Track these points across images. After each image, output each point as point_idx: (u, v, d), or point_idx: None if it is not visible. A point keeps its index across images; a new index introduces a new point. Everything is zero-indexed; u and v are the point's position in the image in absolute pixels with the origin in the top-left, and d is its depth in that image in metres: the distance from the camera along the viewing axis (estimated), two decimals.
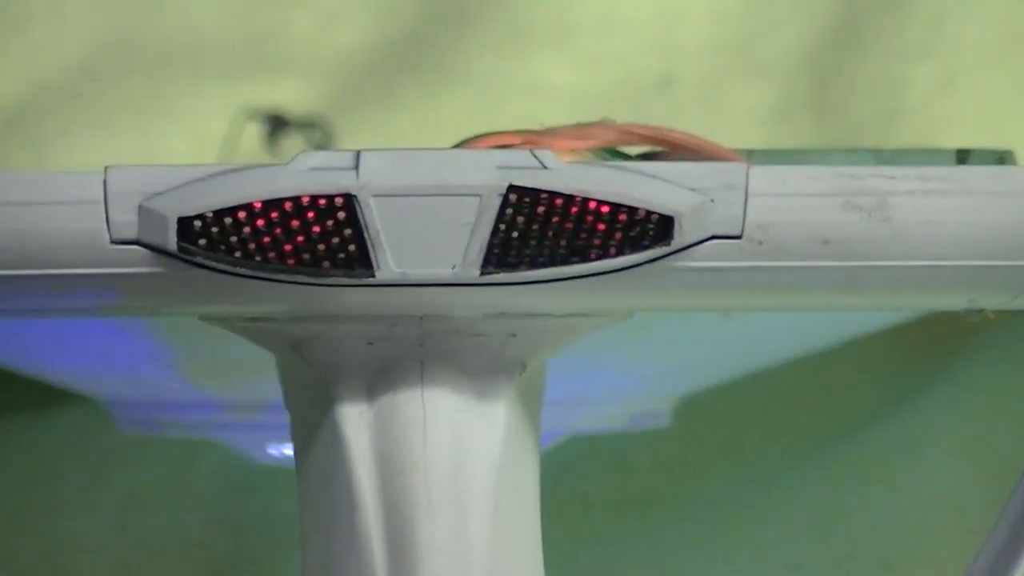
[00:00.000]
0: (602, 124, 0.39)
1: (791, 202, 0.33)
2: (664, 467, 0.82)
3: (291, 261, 0.32)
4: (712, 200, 0.32)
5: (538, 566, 0.36)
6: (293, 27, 0.79)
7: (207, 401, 0.54)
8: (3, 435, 0.82)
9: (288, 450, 0.49)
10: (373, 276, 0.32)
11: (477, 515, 0.34)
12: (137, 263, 0.32)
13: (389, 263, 0.32)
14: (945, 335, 0.85)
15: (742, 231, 0.32)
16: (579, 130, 0.38)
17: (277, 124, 0.67)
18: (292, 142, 0.68)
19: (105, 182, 0.32)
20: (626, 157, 0.39)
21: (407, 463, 0.34)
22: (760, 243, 0.33)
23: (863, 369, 0.86)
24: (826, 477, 0.86)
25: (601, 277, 0.32)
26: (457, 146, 0.38)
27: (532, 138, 0.38)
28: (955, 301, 0.35)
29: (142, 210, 0.32)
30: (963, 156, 0.44)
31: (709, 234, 0.32)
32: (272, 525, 0.79)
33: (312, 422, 0.36)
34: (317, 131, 0.67)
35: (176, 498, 0.82)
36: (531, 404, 0.37)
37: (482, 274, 0.32)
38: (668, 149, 0.39)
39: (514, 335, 0.36)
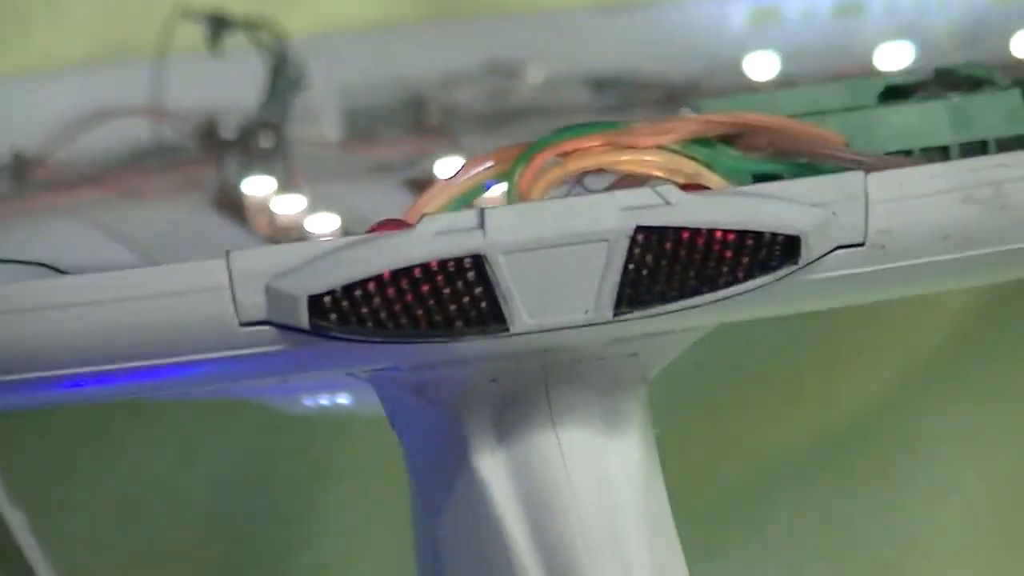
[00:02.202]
0: (681, 117, 0.38)
1: (911, 204, 0.33)
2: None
3: (423, 325, 0.32)
4: (834, 213, 0.32)
5: None
6: None
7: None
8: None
9: (322, 400, 0.49)
10: (507, 331, 0.32)
11: (638, 563, 0.34)
12: (268, 343, 0.32)
13: (523, 316, 0.32)
14: (949, 337, 0.85)
15: (865, 238, 0.33)
16: (659, 125, 0.38)
17: (219, 24, 0.63)
18: (236, 41, 0.63)
19: (229, 267, 0.32)
20: (708, 143, 0.38)
21: (556, 504, 0.34)
22: (883, 247, 0.33)
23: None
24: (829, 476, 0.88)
25: (730, 301, 0.32)
26: (534, 149, 0.37)
27: (613, 138, 0.37)
28: None
29: (269, 291, 0.32)
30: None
31: (834, 246, 0.33)
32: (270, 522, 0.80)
33: (442, 467, 0.36)
34: (263, 31, 0.63)
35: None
36: (649, 430, 0.37)
37: (615, 315, 0.32)
38: (748, 132, 0.38)
39: (636, 354, 0.36)
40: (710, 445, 0.85)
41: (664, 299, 0.32)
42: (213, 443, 0.83)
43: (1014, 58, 0.63)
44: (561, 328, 0.32)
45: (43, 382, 0.33)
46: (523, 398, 0.36)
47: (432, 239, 0.32)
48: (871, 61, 0.66)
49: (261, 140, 0.59)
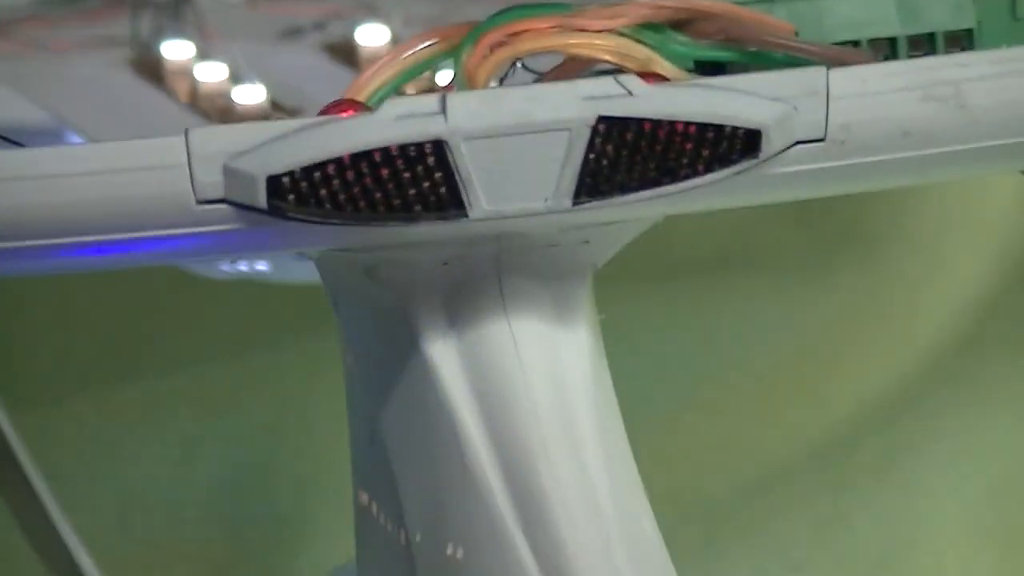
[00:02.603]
0: (632, 1, 0.38)
1: (872, 100, 0.33)
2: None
3: (382, 208, 0.32)
4: (795, 108, 0.33)
5: (641, 490, 0.37)
6: None
7: None
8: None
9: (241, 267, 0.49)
10: (466, 216, 0.32)
11: (591, 451, 0.35)
12: (225, 221, 0.32)
13: (482, 203, 0.32)
14: (947, 338, 0.86)
15: (825, 134, 0.33)
16: (610, 9, 0.38)
17: None
18: None
19: (188, 145, 0.31)
20: (659, 29, 0.38)
21: (508, 389, 0.35)
22: (843, 143, 0.33)
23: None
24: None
25: (689, 193, 0.33)
26: (482, 28, 0.37)
27: (563, 20, 0.37)
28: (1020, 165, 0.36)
29: (227, 170, 0.32)
30: None
31: (794, 140, 0.33)
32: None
33: (389, 351, 0.36)
34: None
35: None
36: (596, 318, 0.38)
37: (574, 204, 0.32)
38: (698, 18, 0.38)
39: (587, 242, 0.36)
40: (710, 443, 0.86)
41: (623, 190, 0.32)
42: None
43: None
44: (520, 216, 0.32)
45: (3, 253, 0.32)
46: (475, 283, 0.36)
47: (393, 123, 0.32)
48: None
49: None
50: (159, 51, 0.53)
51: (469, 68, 0.36)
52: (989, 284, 0.85)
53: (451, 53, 0.36)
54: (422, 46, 0.36)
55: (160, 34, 0.54)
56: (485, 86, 0.36)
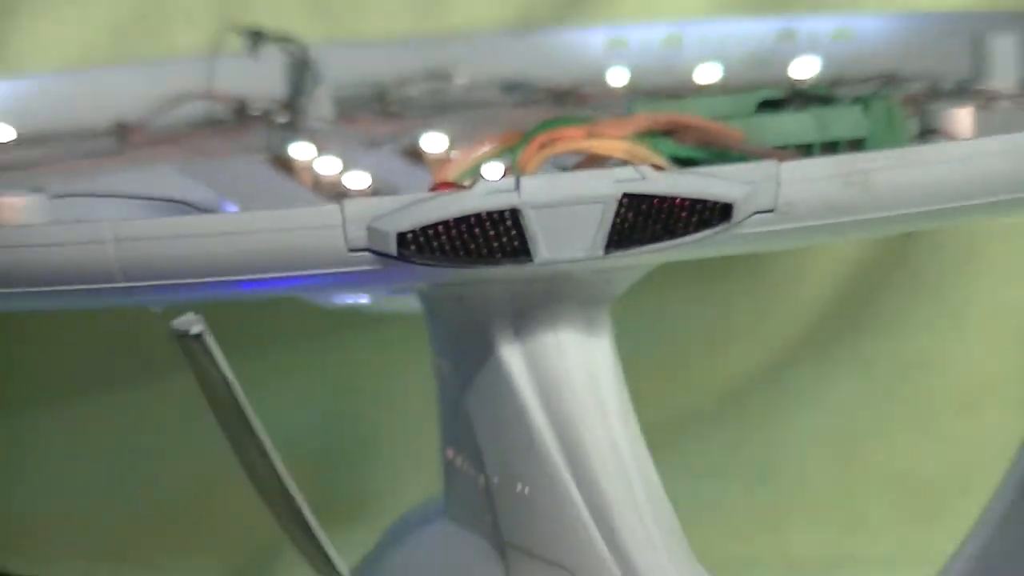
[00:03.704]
0: (636, 116, 0.54)
1: (808, 184, 0.47)
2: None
3: (474, 255, 0.46)
4: (756, 189, 0.46)
5: (647, 450, 0.52)
6: None
7: None
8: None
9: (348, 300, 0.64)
10: (532, 262, 0.46)
11: (616, 421, 0.50)
12: (367, 264, 0.46)
13: (543, 252, 0.46)
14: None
15: (775, 207, 0.47)
16: (621, 121, 0.53)
17: (257, 36, 0.80)
18: (270, 51, 0.81)
19: (343, 211, 0.46)
20: (654, 135, 0.53)
21: (558, 382, 0.50)
22: (787, 213, 0.47)
23: None
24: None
25: (683, 246, 0.47)
26: (533, 133, 0.52)
27: (590, 129, 0.52)
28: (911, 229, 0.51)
29: (370, 228, 0.46)
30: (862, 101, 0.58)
31: (754, 211, 0.47)
32: None
33: (473, 355, 0.52)
34: (289, 42, 0.80)
35: None
36: (612, 331, 0.53)
37: (605, 254, 0.46)
38: (680, 128, 0.53)
39: (610, 280, 0.51)
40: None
41: (639, 244, 0.46)
42: None
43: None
44: (567, 262, 0.47)
45: (211, 285, 0.46)
46: (534, 307, 0.51)
47: (484, 197, 0.45)
48: (690, 79, 0.85)
49: (280, 117, 0.77)
50: (288, 152, 0.68)
51: (523, 161, 0.51)
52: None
53: (509, 151, 0.51)
54: (491, 146, 0.51)
55: (284, 142, 0.70)
56: (534, 173, 0.50)
